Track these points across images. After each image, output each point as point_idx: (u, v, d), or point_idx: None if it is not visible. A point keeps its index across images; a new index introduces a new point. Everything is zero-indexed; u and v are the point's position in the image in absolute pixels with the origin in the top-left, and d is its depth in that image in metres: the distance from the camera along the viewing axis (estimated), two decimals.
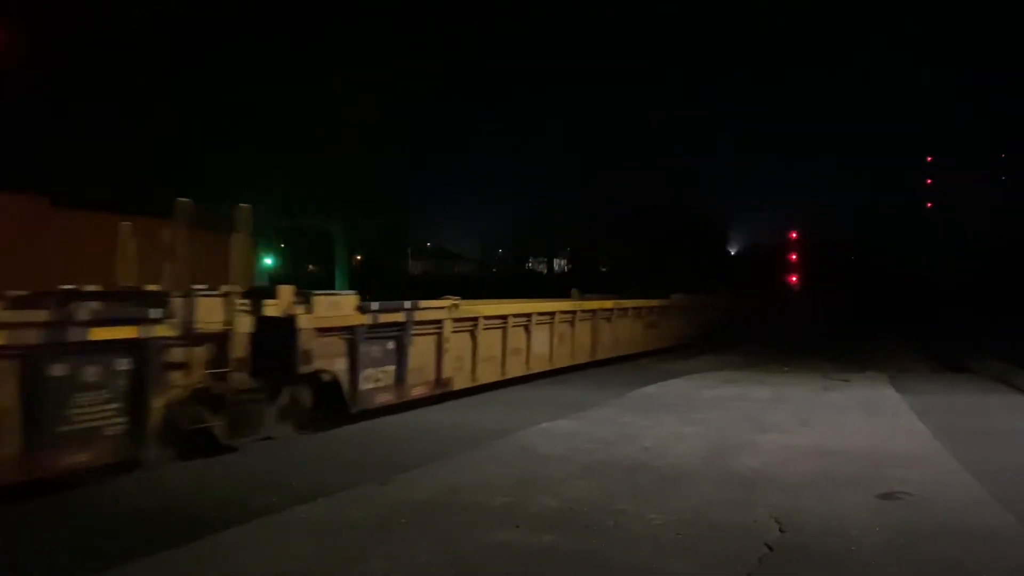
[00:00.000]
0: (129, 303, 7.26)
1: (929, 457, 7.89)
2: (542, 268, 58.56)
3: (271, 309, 8.32)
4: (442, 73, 30.58)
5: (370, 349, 9.65)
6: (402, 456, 7.70)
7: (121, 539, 5.26)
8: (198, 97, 22.98)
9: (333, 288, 30.49)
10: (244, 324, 7.98)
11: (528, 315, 13.75)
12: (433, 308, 11.00)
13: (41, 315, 6.28)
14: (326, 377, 9.00)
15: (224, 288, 8.04)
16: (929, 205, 61.46)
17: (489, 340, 12.43)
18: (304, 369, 8.56)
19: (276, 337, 8.18)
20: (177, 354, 7.36)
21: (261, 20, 24.41)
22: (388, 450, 8.16)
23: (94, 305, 6.70)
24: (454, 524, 5.53)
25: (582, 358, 15.89)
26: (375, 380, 9.75)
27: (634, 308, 18.83)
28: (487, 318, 12.31)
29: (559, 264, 59.53)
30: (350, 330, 9.32)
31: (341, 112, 25.45)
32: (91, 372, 6.48)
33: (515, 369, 13.30)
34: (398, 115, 27.61)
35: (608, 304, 17.46)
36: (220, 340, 7.77)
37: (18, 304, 6.73)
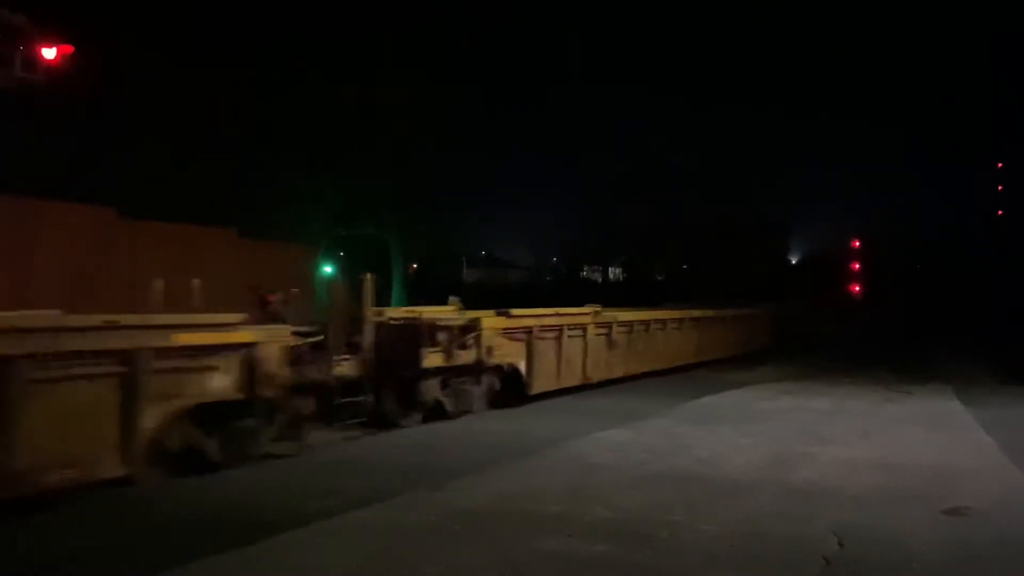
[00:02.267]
0: None
1: (996, 472, 7.66)
2: (596, 276, 58.29)
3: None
4: (494, 77, 30.67)
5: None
6: (457, 463, 7.78)
7: (181, 540, 5.41)
8: (254, 107, 23.50)
9: (391, 296, 30.89)
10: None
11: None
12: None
13: None
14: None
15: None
16: (1000, 212, 59.44)
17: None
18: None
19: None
20: None
21: (316, 25, 24.85)
22: (443, 457, 8.25)
23: None
24: (507, 532, 5.57)
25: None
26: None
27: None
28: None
29: (614, 272, 59.18)
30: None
31: (394, 117, 25.79)
32: None
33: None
34: (450, 120, 27.81)
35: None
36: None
37: None
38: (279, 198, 24.30)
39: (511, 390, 11.81)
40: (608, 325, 14.52)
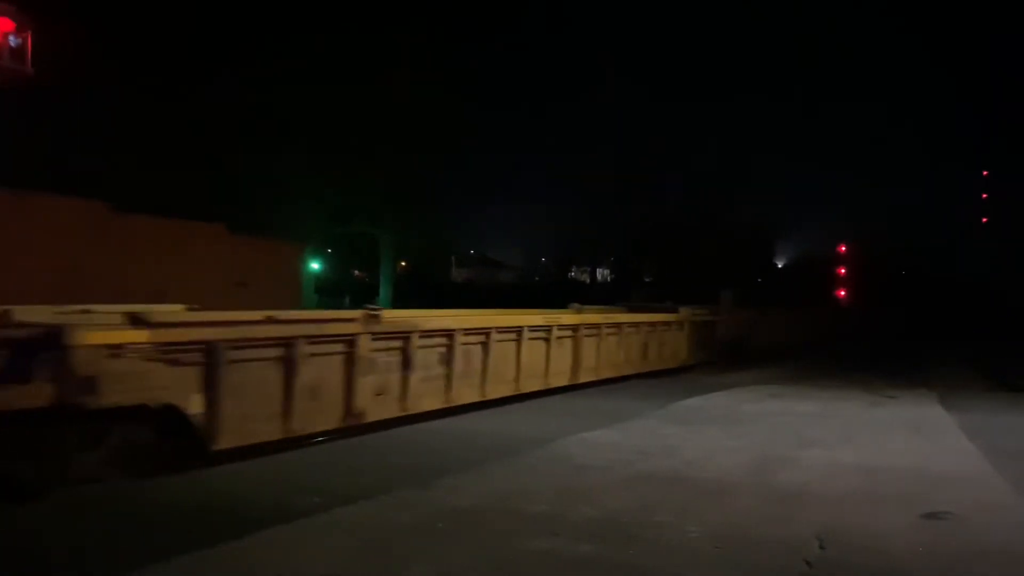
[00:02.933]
0: None
1: (978, 478, 7.74)
2: (585, 278, 58.40)
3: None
4: (489, 79, 30.74)
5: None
6: (444, 461, 7.80)
7: (162, 535, 5.41)
8: (248, 101, 23.43)
9: (378, 294, 30.89)
10: None
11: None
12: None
13: None
14: None
15: None
16: (984, 220, 59.97)
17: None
18: None
19: None
20: None
21: (314, 20, 24.80)
22: (430, 455, 8.27)
23: None
24: (494, 531, 5.61)
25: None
26: None
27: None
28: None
29: (602, 274, 59.30)
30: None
31: (392, 117, 25.77)
32: None
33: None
34: (447, 120, 27.83)
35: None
36: None
37: None
38: (270, 193, 24.24)
39: None
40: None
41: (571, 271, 58.71)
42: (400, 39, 25.97)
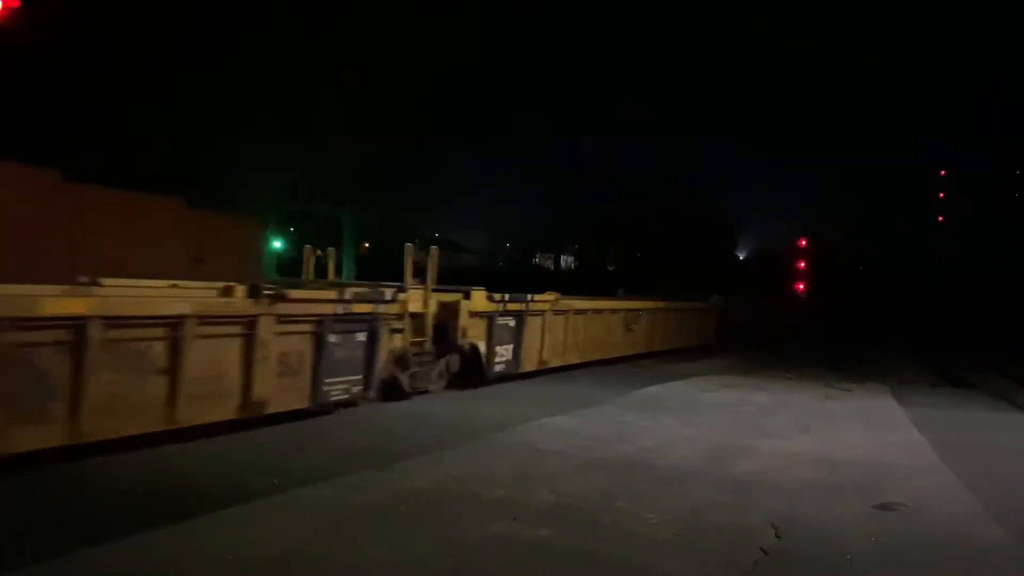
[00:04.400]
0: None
1: (927, 470, 7.92)
2: (549, 264, 58.57)
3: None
4: (453, 65, 30.48)
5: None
6: (403, 445, 7.76)
7: (117, 514, 5.30)
8: (210, 77, 23.00)
9: (342, 274, 30.58)
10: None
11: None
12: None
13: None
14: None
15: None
16: (940, 219, 61.28)
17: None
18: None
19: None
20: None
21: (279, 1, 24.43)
22: (389, 438, 8.22)
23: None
24: (452, 514, 5.59)
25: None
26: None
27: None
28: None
29: (566, 261, 59.49)
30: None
31: (356, 99, 25.48)
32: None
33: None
34: (413, 104, 27.57)
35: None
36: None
37: None
38: (230, 169, 23.84)
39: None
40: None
41: (535, 258, 58.84)
42: (363, 21, 25.67)
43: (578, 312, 15.35)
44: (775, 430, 9.71)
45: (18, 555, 4.46)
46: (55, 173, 14.50)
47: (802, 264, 51.23)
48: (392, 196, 32.36)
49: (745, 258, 61.47)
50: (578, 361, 15.33)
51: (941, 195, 61.39)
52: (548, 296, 14.24)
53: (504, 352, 12.69)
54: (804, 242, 52.21)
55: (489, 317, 12.22)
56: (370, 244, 41.92)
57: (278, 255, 30.87)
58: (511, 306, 12.76)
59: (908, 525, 5.94)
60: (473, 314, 11.75)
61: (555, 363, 14.40)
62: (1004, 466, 8.32)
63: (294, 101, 24.86)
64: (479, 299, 11.96)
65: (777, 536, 5.47)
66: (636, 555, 5.00)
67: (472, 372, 11.93)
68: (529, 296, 13.46)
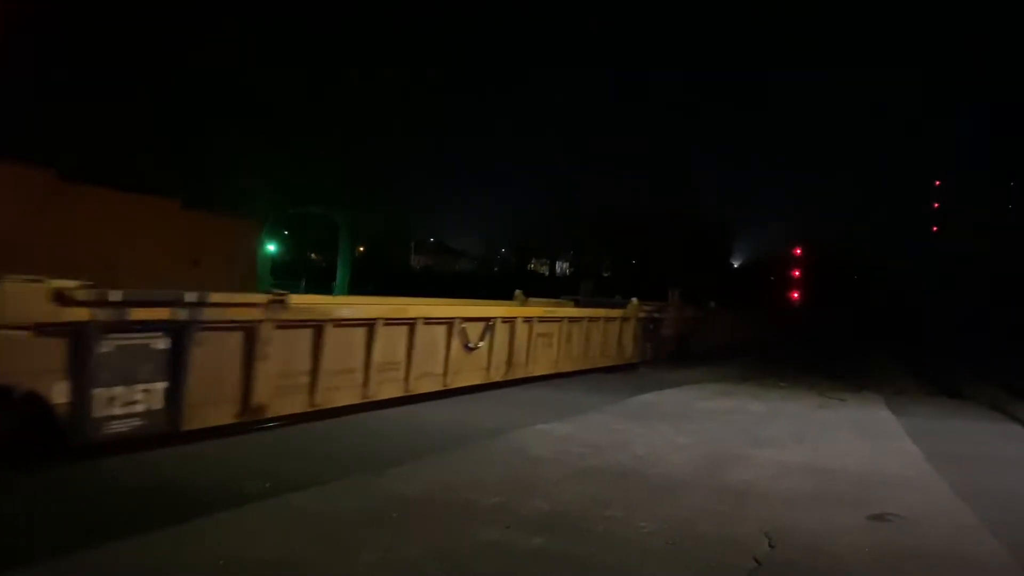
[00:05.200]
0: None
1: (920, 480, 7.91)
2: (544, 270, 58.58)
3: None
4: (451, 69, 30.47)
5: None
6: (397, 450, 7.73)
7: (109, 518, 5.26)
8: (207, 77, 22.95)
9: (335, 278, 30.54)
10: None
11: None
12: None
13: None
14: None
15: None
16: (935, 229, 61.51)
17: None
18: None
19: None
20: None
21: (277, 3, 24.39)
22: (383, 443, 8.19)
23: None
24: (445, 521, 5.56)
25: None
26: None
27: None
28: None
29: (561, 267, 59.52)
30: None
31: (355, 102, 25.45)
32: None
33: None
34: (412, 107, 27.56)
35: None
36: None
37: None
38: (227, 171, 23.76)
39: None
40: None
41: (531, 263, 58.87)
42: (363, 22, 25.66)
43: (338, 324, 9.15)
44: (769, 439, 9.70)
45: (11, 556, 4.43)
46: (50, 172, 14.42)
47: (797, 273, 51.34)
48: (390, 199, 32.32)
49: (740, 266, 61.60)
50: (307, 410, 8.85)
51: (936, 205, 61.65)
52: (249, 298, 8.35)
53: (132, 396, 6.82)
54: (799, 251, 52.35)
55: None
56: (365, 248, 41.84)
57: (272, 259, 30.78)
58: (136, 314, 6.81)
59: (902, 536, 5.94)
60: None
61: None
62: (998, 477, 8.33)
63: (292, 102, 24.82)
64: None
65: (770, 545, 5.46)
66: (630, 564, 4.98)
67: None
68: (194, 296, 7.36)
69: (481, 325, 12.07)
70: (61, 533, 4.92)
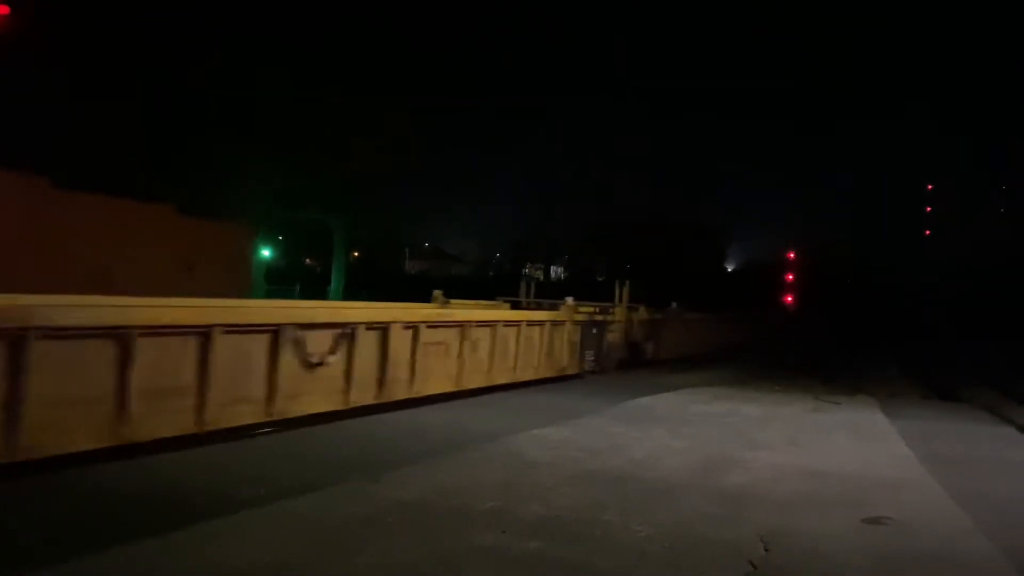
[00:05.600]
0: None
1: (915, 483, 7.93)
2: (539, 274, 58.58)
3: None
4: (445, 73, 30.55)
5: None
6: (392, 455, 7.72)
7: (102, 524, 5.25)
8: (202, 85, 22.97)
9: (330, 283, 30.51)
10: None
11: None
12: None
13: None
14: None
15: None
16: (928, 232, 61.74)
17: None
18: None
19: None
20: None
21: (272, 13, 24.43)
22: (379, 448, 8.18)
23: None
24: (441, 526, 5.56)
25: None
26: None
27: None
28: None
29: (555, 271, 59.56)
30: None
31: (348, 111, 25.49)
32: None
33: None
34: (405, 116, 27.61)
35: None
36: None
37: None
38: (221, 176, 23.76)
39: None
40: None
41: (526, 268, 58.89)
42: (360, 32, 25.74)
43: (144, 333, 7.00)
44: (764, 442, 9.72)
45: (1, 565, 4.42)
46: (44, 180, 14.42)
47: (790, 276, 51.45)
48: (384, 204, 32.33)
49: (734, 270, 61.72)
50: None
51: (928, 208, 61.87)
52: None
53: None
54: (793, 254, 52.47)
55: None
56: (359, 252, 41.81)
57: (267, 264, 30.74)
58: None
59: (897, 539, 5.95)
60: None
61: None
62: (993, 480, 8.35)
63: (287, 109, 24.84)
64: None
65: (766, 549, 5.47)
66: (626, 568, 4.98)
67: None
68: None
69: (332, 334, 9.31)
70: (53, 540, 4.90)
